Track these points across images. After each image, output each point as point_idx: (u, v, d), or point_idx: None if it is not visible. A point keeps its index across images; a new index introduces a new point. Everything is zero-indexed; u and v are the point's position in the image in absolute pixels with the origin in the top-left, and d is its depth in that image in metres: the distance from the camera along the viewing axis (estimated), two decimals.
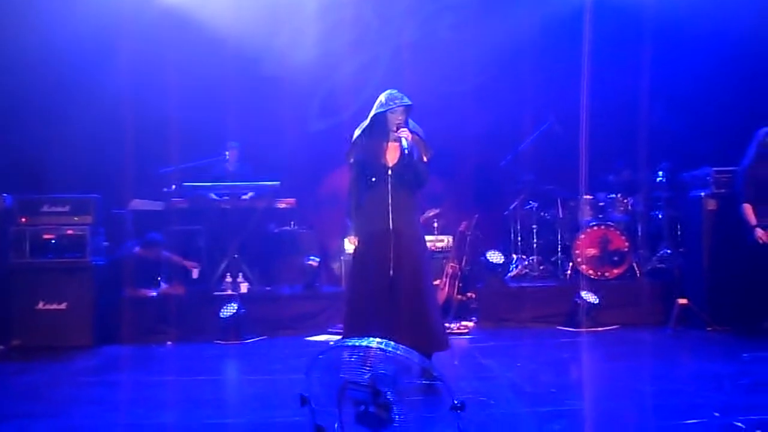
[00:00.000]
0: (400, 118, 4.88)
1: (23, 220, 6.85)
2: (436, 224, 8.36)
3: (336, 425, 3.06)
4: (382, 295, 4.78)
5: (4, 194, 6.90)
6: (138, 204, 8.13)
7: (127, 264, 7.41)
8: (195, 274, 7.66)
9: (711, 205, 7.01)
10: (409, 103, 4.91)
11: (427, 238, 6.99)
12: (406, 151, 4.80)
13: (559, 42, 8.98)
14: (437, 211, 8.21)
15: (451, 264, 7.87)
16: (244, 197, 8.02)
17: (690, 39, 8.60)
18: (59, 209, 6.93)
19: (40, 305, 6.74)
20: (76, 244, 6.83)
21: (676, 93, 8.84)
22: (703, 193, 7.07)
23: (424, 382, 3.03)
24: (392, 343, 2.97)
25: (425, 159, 4.98)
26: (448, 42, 9.26)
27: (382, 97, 4.94)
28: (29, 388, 5.25)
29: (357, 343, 2.99)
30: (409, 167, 4.86)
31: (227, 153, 8.51)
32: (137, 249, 7.53)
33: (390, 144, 4.94)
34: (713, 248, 6.97)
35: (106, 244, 7.25)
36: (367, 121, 4.99)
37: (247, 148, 8.71)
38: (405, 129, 4.85)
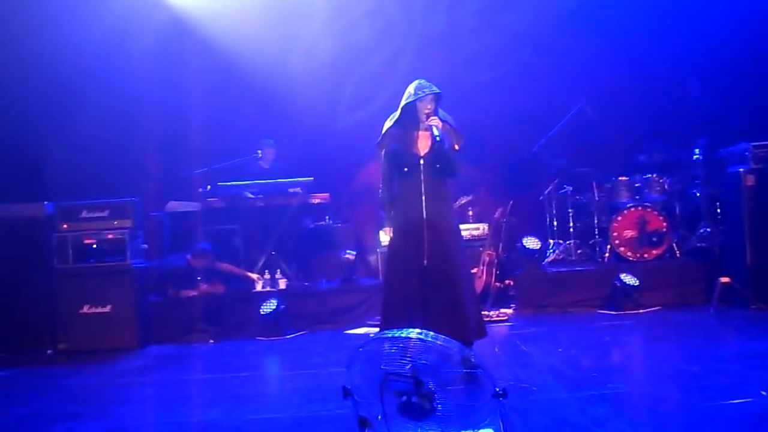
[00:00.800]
0: (429, 106, 4.87)
1: (65, 226, 6.99)
2: (471, 212, 8.34)
3: (379, 417, 3.08)
4: (417, 284, 4.79)
5: (45, 202, 7.02)
6: (174, 206, 8.24)
7: (178, 273, 7.51)
8: (258, 286, 7.69)
9: (750, 180, 6.87)
10: (438, 91, 4.90)
11: (463, 226, 7.01)
12: (438, 139, 4.80)
13: (588, 23, 8.88)
14: (470, 198, 8.13)
15: (488, 252, 7.84)
16: (291, 190, 8.03)
17: (724, 13, 8.42)
18: (99, 214, 7.05)
19: (85, 309, 6.88)
20: (117, 248, 6.95)
21: (710, 68, 8.68)
22: (741, 169, 6.94)
23: (465, 370, 3.03)
24: (431, 333, 2.98)
25: (456, 147, 4.98)
26: (473, 29, 9.21)
27: (410, 88, 4.95)
28: (77, 390, 5.36)
29: (397, 335, 3.01)
30: (440, 156, 4.86)
31: (259, 152, 8.56)
32: (189, 257, 7.60)
33: (421, 133, 4.95)
34: (754, 224, 6.84)
35: (145, 246, 7.35)
36: (398, 112, 5.00)
37: (278, 145, 8.77)
38: (435, 117, 4.84)
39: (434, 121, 4.82)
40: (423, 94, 4.87)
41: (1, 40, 7.96)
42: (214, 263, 7.70)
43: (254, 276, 7.74)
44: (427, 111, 4.86)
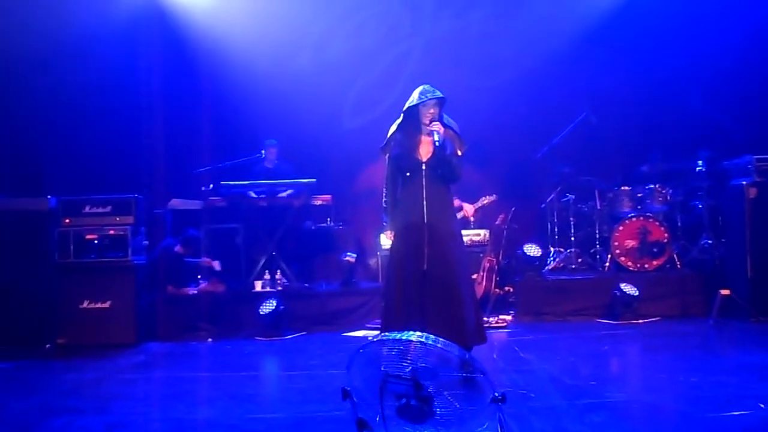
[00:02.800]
0: (432, 111, 4.88)
1: (67, 221, 7.00)
2: (472, 219, 8.30)
3: (377, 418, 3.08)
4: (417, 288, 4.79)
5: (48, 196, 7.03)
6: (177, 203, 8.24)
7: (168, 262, 7.52)
8: (217, 266, 7.70)
9: (752, 193, 6.89)
10: (441, 95, 4.91)
11: (464, 232, 6.99)
12: (437, 144, 4.81)
13: (594, 32, 8.91)
14: (494, 197, 7.93)
15: (488, 258, 7.85)
16: (281, 194, 8.06)
17: (728, 25, 8.45)
18: (101, 210, 7.05)
19: (85, 304, 6.88)
20: (118, 244, 6.96)
21: (714, 81, 8.70)
22: (744, 182, 6.95)
23: (464, 375, 3.03)
24: (432, 336, 2.99)
25: (459, 153, 4.99)
26: (480, 35, 9.23)
27: (415, 92, 4.96)
28: (75, 385, 5.36)
29: (397, 337, 3.01)
30: (442, 161, 4.87)
31: (263, 151, 8.57)
32: (178, 247, 7.63)
33: (423, 138, 4.95)
34: (755, 237, 6.85)
35: (146, 243, 7.36)
36: (401, 117, 5.01)
37: (283, 145, 8.78)
38: (437, 123, 4.85)
39: (435, 126, 4.83)
40: (426, 99, 4.89)
41: (5, 33, 7.97)
42: (198, 254, 7.69)
43: (208, 261, 7.72)
44: (429, 115, 4.88)
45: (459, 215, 7.61)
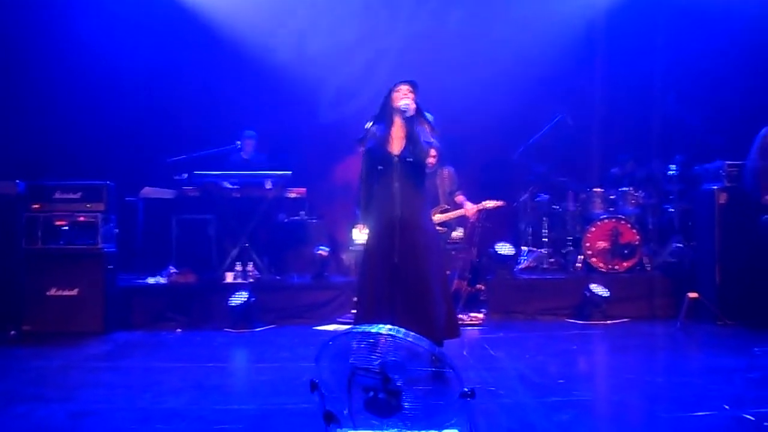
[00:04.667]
0: (405, 95, 4.87)
1: (35, 206, 6.88)
2: (472, 219, 8.15)
3: (345, 411, 3.06)
4: (388, 282, 4.79)
5: (17, 181, 6.92)
6: (149, 192, 8.14)
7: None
8: None
9: (723, 198, 6.96)
10: (412, 79, 4.91)
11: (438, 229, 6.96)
12: (404, 109, 4.81)
13: (571, 33, 8.96)
14: (500, 203, 7.65)
15: (462, 255, 7.85)
16: (267, 187, 7.99)
17: (703, 31, 8.55)
18: (71, 196, 6.95)
19: (52, 291, 6.78)
20: (88, 231, 6.86)
21: (689, 85, 8.79)
22: (715, 187, 7.02)
23: (433, 369, 3.03)
24: (402, 330, 2.97)
25: (432, 140, 4.96)
26: (458, 33, 9.25)
27: None
28: (40, 373, 5.28)
29: (367, 330, 3.00)
30: (412, 143, 4.85)
31: (238, 142, 8.51)
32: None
33: (394, 132, 4.93)
34: (724, 242, 6.92)
35: (117, 231, 7.27)
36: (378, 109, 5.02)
37: (259, 137, 8.73)
38: (406, 98, 4.86)
39: (405, 100, 4.84)
40: (398, 82, 4.92)
41: None
42: None
43: None
44: (403, 97, 4.87)
45: (459, 213, 7.58)
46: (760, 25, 8.36)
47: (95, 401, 4.42)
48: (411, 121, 4.87)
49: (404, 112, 4.85)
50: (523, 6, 9.15)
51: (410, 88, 4.91)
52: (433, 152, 4.94)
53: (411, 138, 4.86)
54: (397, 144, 4.93)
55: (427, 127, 4.96)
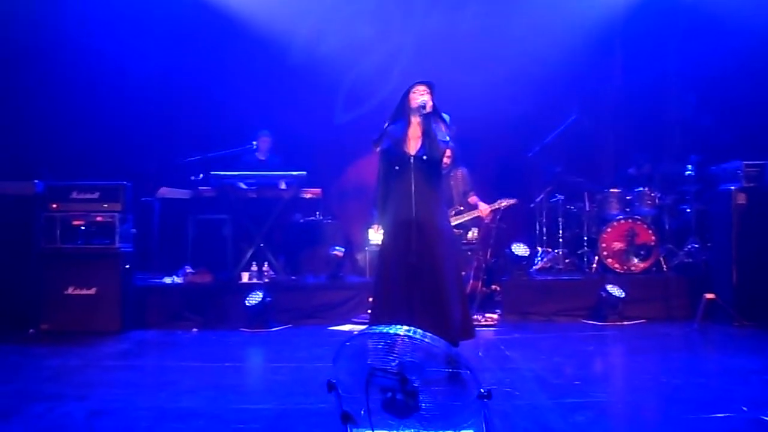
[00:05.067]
0: (422, 94, 4.90)
1: (54, 206, 6.94)
2: (487, 220, 8.13)
3: (362, 412, 3.07)
4: (404, 283, 4.80)
5: (35, 181, 6.98)
6: (166, 192, 8.18)
7: None
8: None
9: (740, 198, 6.92)
10: (429, 81, 4.94)
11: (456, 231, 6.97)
12: (422, 106, 4.84)
13: (589, 32, 8.92)
14: (513, 201, 7.72)
15: (477, 256, 7.84)
16: (281, 188, 8.01)
17: (721, 31, 8.48)
18: (89, 196, 7.00)
19: (70, 290, 6.83)
20: (105, 231, 6.91)
21: (707, 85, 8.74)
22: (732, 187, 6.98)
23: (450, 370, 3.03)
24: (420, 330, 2.98)
25: (448, 139, 4.98)
26: (472, 31, 9.22)
27: None
28: (57, 371, 5.32)
29: (384, 331, 3.00)
30: (428, 139, 4.87)
31: (254, 143, 8.54)
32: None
33: (411, 128, 4.94)
34: (742, 243, 6.88)
35: (134, 231, 7.32)
36: (394, 109, 5.04)
37: (274, 138, 8.75)
38: (424, 95, 4.89)
39: (423, 97, 4.87)
40: (414, 84, 4.94)
41: None
42: None
43: None
44: (417, 99, 4.89)
45: (474, 214, 7.59)
46: None
47: (112, 400, 4.45)
48: (428, 119, 4.89)
49: (422, 108, 4.86)
50: (539, 5, 9.11)
51: (427, 88, 4.93)
52: (448, 152, 4.97)
53: (428, 135, 4.88)
54: (413, 144, 4.94)
55: (443, 127, 4.98)
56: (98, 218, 6.93)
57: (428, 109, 4.87)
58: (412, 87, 4.95)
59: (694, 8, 8.63)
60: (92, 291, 6.85)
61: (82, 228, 6.91)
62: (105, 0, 8.60)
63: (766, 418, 3.81)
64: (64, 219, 6.90)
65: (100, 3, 8.64)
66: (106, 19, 8.61)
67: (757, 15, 8.34)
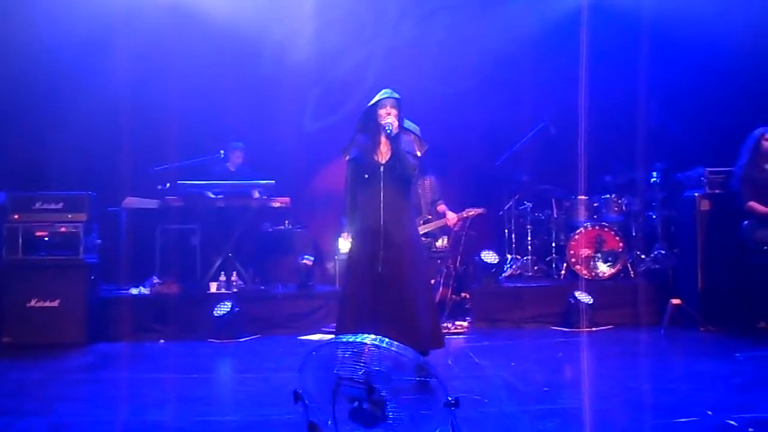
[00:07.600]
0: (389, 111, 4.88)
1: (16, 217, 6.81)
2: (455, 228, 8.15)
3: (329, 422, 3.04)
4: (371, 292, 4.78)
5: None
6: (132, 202, 8.07)
7: None
8: None
9: (705, 205, 7.02)
10: (397, 96, 4.93)
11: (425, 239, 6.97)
12: (389, 131, 4.82)
13: (555, 42, 9.00)
14: (481, 210, 7.76)
15: (446, 263, 7.84)
16: (255, 197, 7.94)
17: (686, 39, 8.62)
18: (53, 206, 6.88)
19: (33, 302, 6.70)
20: (70, 242, 6.80)
21: (671, 93, 8.86)
22: (696, 194, 7.07)
23: (418, 379, 3.01)
24: (387, 339, 2.96)
25: (419, 153, 5.01)
26: (443, 42, 9.24)
27: (375, 97, 4.97)
28: (19, 385, 5.22)
29: (351, 340, 2.98)
30: (398, 160, 4.86)
31: (222, 151, 8.46)
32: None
33: (382, 140, 4.95)
34: (706, 249, 6.97)
35: (99, 241, 7.21)
36: (361, 120, 5.02)
37: (244, 148, 8.68)
38: (390, 116, 4.87)
39: (389, 119, 4.85)
40: (382, 98, 4.91)
41: None
42: None
43: None
44: (385, 116, 4.87)
45: (441, 223, 7.62)
46: (742, 35, 8.43)
47: (76, 414, 4.37)
48: (395, 140, 4.88)
49: (388, 132, 4.85)
50: (507, 15, 9.16)
51: (393, 109, 4.91)
52: (418, 152, 5.00)
53: (397, 156, 4.87)
54: (383, 153, 4.94)
55: (413, 138, 4.98)
56: (62, 229, 6.81)
57: (394, 131, 4.86)
58: (378, 102, 4.91)
59: (660, 16, 8.74)
60: (56, 303, 6.72)
61: (46, 239, 6.79)
62: (77, 10, 8.45)
63: (731, 422, 3.84)
64: (27, 230, 6.78)
65: (71, 12, 8.50)
66: (71, 26, 8.47)
67: (721, 26, 8.49)
